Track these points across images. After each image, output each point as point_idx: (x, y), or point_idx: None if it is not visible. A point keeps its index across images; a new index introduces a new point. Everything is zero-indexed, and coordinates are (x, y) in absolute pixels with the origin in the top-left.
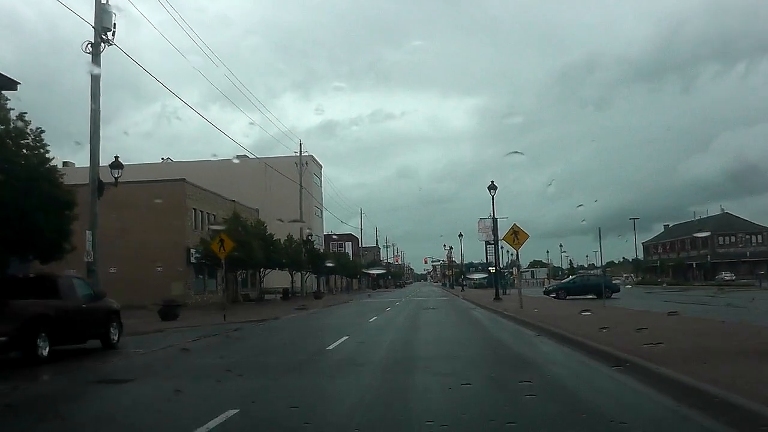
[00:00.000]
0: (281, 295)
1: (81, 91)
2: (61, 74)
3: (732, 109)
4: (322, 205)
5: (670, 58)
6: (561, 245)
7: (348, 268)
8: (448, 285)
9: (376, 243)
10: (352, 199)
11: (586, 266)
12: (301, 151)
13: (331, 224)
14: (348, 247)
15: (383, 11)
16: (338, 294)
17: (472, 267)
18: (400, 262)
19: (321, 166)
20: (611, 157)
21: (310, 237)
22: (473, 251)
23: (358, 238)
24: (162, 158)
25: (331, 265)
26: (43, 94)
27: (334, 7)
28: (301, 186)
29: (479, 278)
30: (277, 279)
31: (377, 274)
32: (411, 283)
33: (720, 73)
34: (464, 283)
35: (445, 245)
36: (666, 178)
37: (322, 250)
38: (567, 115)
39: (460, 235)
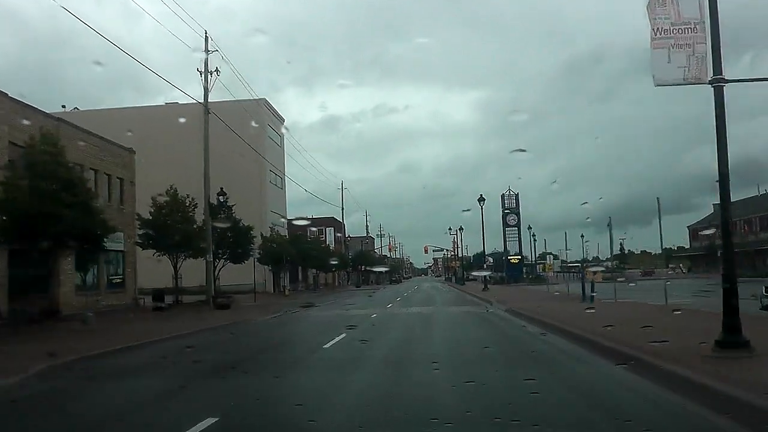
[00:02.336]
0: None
1: None
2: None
3: (736, 100)
4: (284, 174)
5: None
6: (582, 236)
7: (320, 258)
8: (453, 280)
9: (366, 230)
10: (355, 195)
11: (603, 259)
12: (207, 71)
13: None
14: (330, 234)
15: (387, 4)
16: (276, 297)
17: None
18: (396, 255)
19: (283, 121)
20: (617, 149)
21: (223, 200)
22: (475, 245)
23: (342, 223)
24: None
25: (256, 252)
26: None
27: (337, 0)
28: (206, 110)
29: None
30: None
31: (365, 268)
32: (410, 278)
33: (727, 64)
34: (487, 279)
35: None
36: (672, 170)
37: (276, 232)
38: (573, 108)
39: (461, 228)
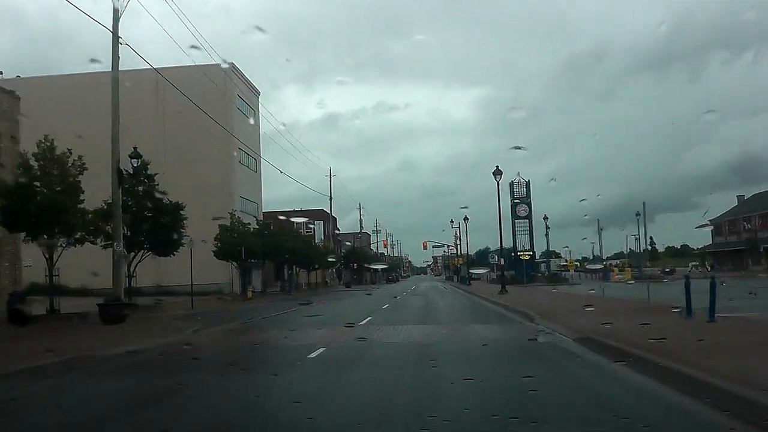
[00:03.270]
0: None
1: None
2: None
3: (737, 98)
4: (259, 155)
5: (677, 46)
6: (601, 228)
7: (301, 254)
8: (456, 279)
9: (360, 225)
10: (354, 193)
11: (604, 258)
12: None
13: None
14: (320, 229)
15: (388, 3)
16: (229, 304)
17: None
18: (394, 253)
19: (258, 94)
20: (616, 148)
21: (138, 164)
22: (476, 243)
23: (330, 215)
24: None
25: (190, 241)
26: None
27: None
28: (116, 38)
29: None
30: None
31: (356, 266)
32: (408, 276)
33: (727, 62)
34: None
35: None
36: (670, 169)
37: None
38: (573, 107)
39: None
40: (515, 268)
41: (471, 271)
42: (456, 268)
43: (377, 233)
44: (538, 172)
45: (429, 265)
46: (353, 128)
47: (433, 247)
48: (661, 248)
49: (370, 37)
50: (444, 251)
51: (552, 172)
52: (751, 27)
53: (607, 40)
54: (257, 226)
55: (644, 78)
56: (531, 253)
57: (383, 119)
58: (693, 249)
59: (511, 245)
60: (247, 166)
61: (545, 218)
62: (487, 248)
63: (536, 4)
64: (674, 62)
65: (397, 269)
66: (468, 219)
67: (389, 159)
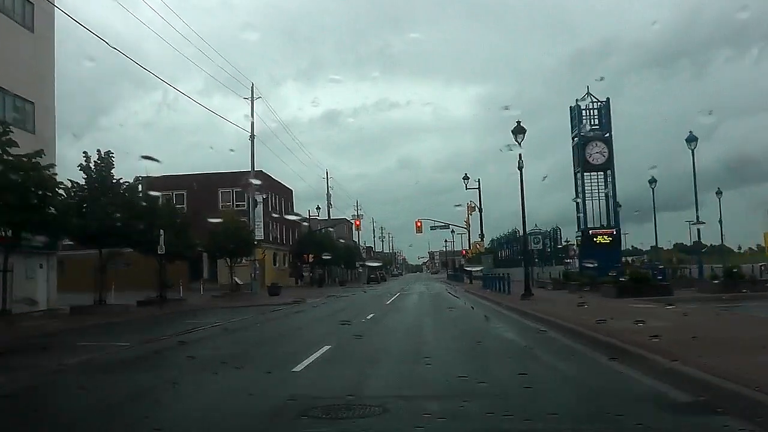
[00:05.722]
0: None
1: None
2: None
3: (738, 96)
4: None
5: (684, 43)
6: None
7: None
8: (468, 279)
9: (328, 208)
10: (351, 190)
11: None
12: None
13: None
14: (258, 206)
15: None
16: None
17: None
18: (384, 247)
19: None
20: (616, 145)
21: None
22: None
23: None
24: None
25: None
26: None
27: None
28: None
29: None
30: None
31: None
32: (400, 275)
33: (732, 59)
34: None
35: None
36: (671, 167)
37: None
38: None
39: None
40: (592, 256)
41: (467, 268)
42: (455, 263)
43: (357, 217)
44: (538, 169)
45: (425, 262)
46: (352, 125)
47: (432, 228)
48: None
49: (371, 34)
50: (444, 246)
51: (552, 169)
52: (758, 23)
53: (612, 36)
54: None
55: (648, 74)
56: (613, 232)
57: (383, 116)
58: None
59: (580, 218)
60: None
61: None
62: (514, 231)
63: (536, 3)
64: (680, 59)
65: (388, 266)
66: (480, 184)
67: (388, 156)
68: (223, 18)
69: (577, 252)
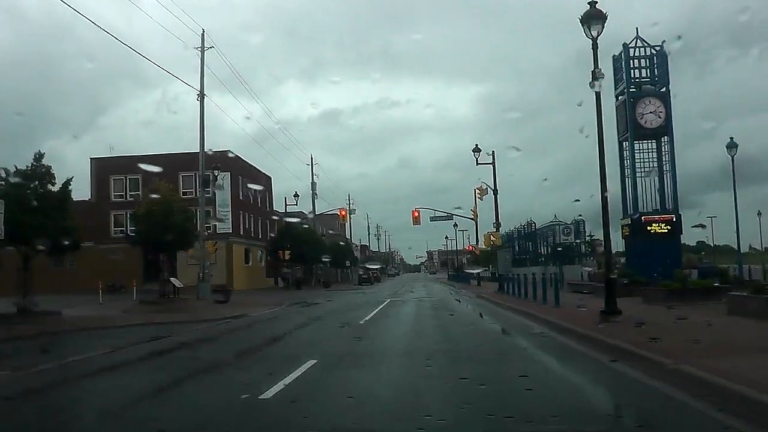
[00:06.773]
0: None
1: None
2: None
3: (738, 97)
4: None
5: (684, 43)
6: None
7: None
8: (475, 281)
9: (313, 198)
10: (351, 190)
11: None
12: None
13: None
14: (225, 186)
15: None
16: None
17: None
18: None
19: None
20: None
21: None
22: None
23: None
24: None
25: None
26: (40, 83)
27: None
28: None
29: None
30: None
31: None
32: (397, 274)
33: (734, 58)
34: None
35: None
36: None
37: None
38: (574, 105)
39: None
40: (646, 251)
41: (468, 270)
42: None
43: (349, 212)
44: (538, 168)
45: (423, 262)
46: (353, 125)
47: (432, 219)
48: None
49: (373, 33)
50: (444, 245)
51: (552, 168)
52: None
53: (615, 34)
54: None
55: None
56: (673, 219)
57: (384, 115)
58: None
59: (626, 201)
60: None
61: None
62: (528, 224)
63: (537, 3)
64: (680, 59)
65: (385, 266)
66: (495, 158)
67: (388, 156)
68: (223, 18)
69: (625, 244)
